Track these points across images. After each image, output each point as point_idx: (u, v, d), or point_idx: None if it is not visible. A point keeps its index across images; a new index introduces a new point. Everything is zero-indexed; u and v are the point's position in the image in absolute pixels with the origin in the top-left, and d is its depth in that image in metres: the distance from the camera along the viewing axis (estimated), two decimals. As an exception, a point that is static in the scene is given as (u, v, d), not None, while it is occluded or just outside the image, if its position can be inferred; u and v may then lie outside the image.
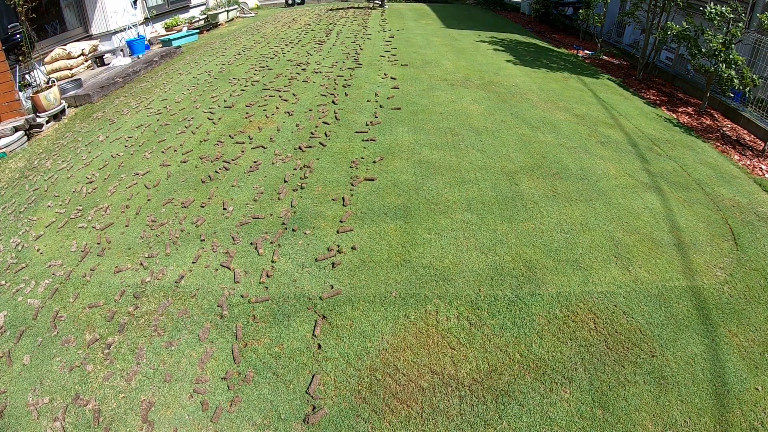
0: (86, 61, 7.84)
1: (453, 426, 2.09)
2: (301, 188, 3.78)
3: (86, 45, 7.83)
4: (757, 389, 2.34)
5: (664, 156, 4.72)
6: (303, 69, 6.95)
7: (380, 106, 5.35)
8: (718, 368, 2.42)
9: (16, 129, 5.52)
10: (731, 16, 5.69)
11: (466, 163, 4.12)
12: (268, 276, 2.88)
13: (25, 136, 5.63)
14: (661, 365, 2.40)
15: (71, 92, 6.72)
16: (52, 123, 6.06)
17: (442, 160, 4.15)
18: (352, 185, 3.80)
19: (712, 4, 6.06)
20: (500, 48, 8.59)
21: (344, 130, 4.78)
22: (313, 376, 2.29)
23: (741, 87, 5.66)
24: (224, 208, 3.58)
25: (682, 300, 2.81)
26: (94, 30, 8.42)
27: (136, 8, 9.37)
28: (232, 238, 3.24)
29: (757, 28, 5.94)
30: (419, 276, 2.85)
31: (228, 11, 12.11)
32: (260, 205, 3.60)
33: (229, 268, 2.96)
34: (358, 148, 4.41)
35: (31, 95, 6.00)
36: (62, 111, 6.24)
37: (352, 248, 3.08)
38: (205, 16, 11.64)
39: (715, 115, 6.29)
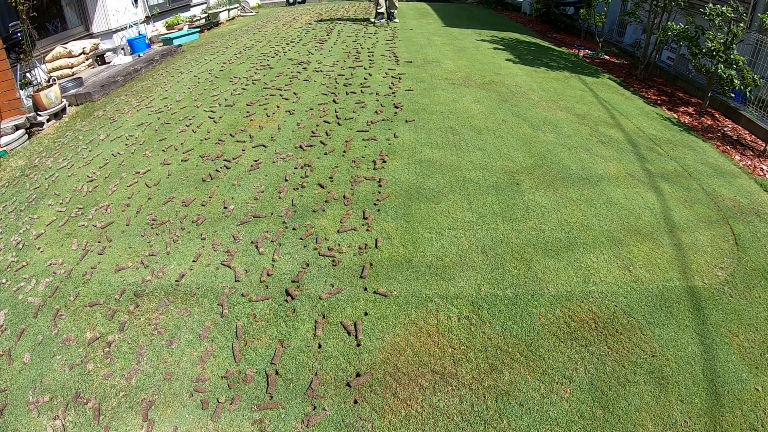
0: (87, 59, 7.84)
1: (453, 425, 2.09)
2: (302, 187, 3.78)
3: (87, 43, 7.83)
4: (757, 389, 2.34)
5: (664, 156, 4.71)
6: (304, 68, 6.94)
7: (381, 105, 5.35)
8: (718, 368, 2.42)
9: (17, 127, 5.52)
10: (732, 16, 5.68)
11: (466, 162, 4.12)
12: (268, 275, 2.88)
13: (26, 135, 5.63)
14: (661, 365, 2.40)
15: (72, 91, 6.71)
16: (52, 121, 6.06)
17: (443, 160, 4.15)
18: (353, 184, 3.79)
19: (712, 4, 6.05)
20: (501, 47, 8.58)
21: (345, 129, 4.78)
22: (313, 376, 2.29)
23: (742, 87, 5.66)
24: (225, 207, 3.58)
25: (683, 300, 2.81)
26: (95, 28, 8.41)
27: (137, 7, 9.36)
28: (233, 236, 3.24)
29: (759, 28, 5.93)
30: (420, 275, 2.85)
31: (229, 10, 12.10)
32: (261, 203, 3.60)
33: (230, 267, 2.96)
34: (359, 146, 4.41)
35: (32, 94, 6.00)
36: (63, 109, 6.24)
37: (352, 247, 3.08)
38: (206, 14, 11.63)
39: (716, 115, 6.28)
